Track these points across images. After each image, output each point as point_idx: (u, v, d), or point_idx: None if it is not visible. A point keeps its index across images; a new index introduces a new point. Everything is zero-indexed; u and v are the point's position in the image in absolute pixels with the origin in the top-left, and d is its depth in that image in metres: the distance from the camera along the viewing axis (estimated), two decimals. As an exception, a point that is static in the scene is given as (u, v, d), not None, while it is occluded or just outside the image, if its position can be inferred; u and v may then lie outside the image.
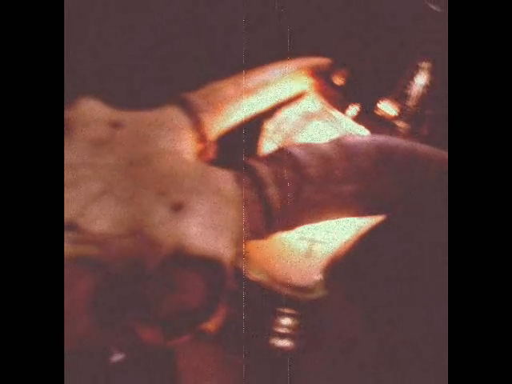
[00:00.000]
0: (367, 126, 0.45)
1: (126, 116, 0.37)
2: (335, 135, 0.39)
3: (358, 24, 0.46)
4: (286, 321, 0.53)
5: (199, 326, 0.32)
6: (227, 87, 0.43)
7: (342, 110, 0.46)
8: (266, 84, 0.45)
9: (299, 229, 0.37)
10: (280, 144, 0.48)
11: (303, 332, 0.55)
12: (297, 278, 0.52)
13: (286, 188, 0.34)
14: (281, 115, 0.49)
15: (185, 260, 0.31)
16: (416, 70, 0.46)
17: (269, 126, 0.50)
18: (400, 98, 0.46)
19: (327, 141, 0.37)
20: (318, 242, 0.49)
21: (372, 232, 0.50)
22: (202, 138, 0.40)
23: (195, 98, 0.40)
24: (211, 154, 0.41)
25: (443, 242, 0.33)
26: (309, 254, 0.50)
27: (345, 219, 0.41)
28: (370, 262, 0.65)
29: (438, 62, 0.45)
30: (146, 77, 0.65)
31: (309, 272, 0.52)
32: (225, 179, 0.34)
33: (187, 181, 0.33)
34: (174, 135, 0.37)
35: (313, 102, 0.48)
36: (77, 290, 0.30)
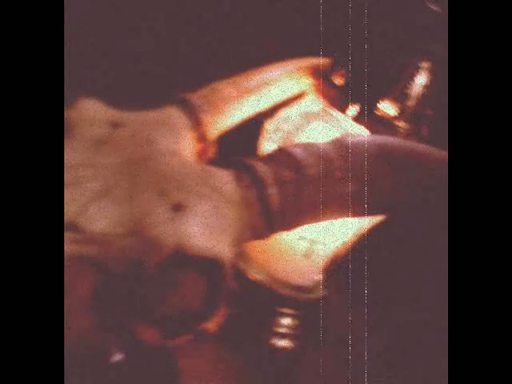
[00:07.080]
0: (367, 126, 0.45)
1: (126, 116, 0.37)
2: (335, 135, 0.39)
3: (358, 24, 0.46)
4: (286, 321, 0.53)
5: (199, 326, 0.32)
6: (227, 87, 0.43)
7: (342, 110, 0.46)
8: (266, 84, 0.45)
9: (299, 229, 0.37)
10: (280, 144, 0.48)
11: (303, 332, 0.55)
12: (297, 278, 0.52)
13: (286, 188, 0.34)
14: (281, 115, 0.49)
15: (185, 260, 0.31)
16: (416, 70, 0.46)
17: (269, 125, 0.50)
18: (400, 97, 0.46)
19: (327, 141, 0.37)
20: (318, 242, 0.49)
21: (372, 232, 0.50)
22: (201, 137, 0.40)
23: (195, 98, 0.40)
24: (211, 153, 0.41)
25: (443, 242, 0.33)
26: (309, 254, 0.50)
27: (345, 219, 0.41)
28: (370, 262, 0.65)
29: (438, 62, 0.45)
30: (146, 77, 0.65)
31: (309, 272, 0.52)
32: (225, 179, 0.34)
33: (187, 181, 0.33)
34: (173, 135, 0.37)
35: (313, 102, 0.48)
36: (77, 290, 0.30)
